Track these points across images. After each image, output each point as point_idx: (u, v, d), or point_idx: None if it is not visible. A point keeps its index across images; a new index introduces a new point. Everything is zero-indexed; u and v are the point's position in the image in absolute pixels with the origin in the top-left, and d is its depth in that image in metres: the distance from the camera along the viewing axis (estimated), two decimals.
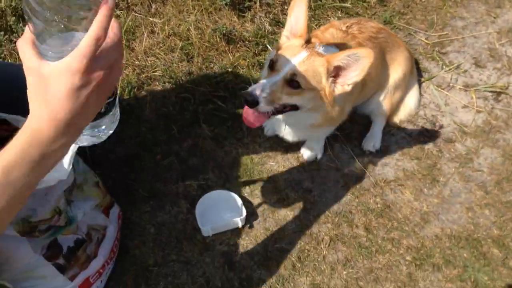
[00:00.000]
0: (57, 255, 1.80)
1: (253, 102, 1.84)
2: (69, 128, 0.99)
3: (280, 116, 2.07)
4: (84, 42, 0.93)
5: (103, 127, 1.37)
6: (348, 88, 1.92)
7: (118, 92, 2.68)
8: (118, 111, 1.43)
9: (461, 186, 2.53)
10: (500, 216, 2.42)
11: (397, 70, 2.53)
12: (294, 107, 1.94)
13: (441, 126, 2.75)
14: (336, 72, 1.91)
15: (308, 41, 1.99)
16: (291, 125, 2.20)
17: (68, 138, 1.01)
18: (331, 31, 2.28)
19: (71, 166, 1.58)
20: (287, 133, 2.32)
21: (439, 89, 2.91)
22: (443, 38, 3.15)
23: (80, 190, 1.87)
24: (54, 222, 1.66)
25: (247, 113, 1.94)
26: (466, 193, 2.51)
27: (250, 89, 1.86)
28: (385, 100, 2.59)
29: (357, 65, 1.84)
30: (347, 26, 2.35)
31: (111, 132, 1.52)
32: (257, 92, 1.83)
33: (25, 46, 0.96)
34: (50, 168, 1.03)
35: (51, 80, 0.94)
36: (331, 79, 1.92)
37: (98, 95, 1.00)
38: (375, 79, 2.41)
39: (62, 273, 1.85)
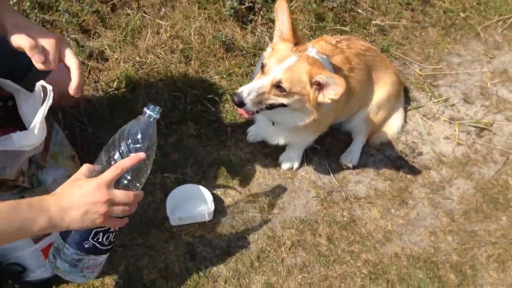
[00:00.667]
0: None
1: (240, 103, 2.00)
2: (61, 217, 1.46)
3: (269, 114, 2.21)
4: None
5: (85, 270, 1.72)
6: (328, 101, 2.04)
7: (115, 85, 2.85)
8: (100, 267, 1.80)
9: (429, 211, 2.58)
10: (462, 243, 2.47)
11: (381, 90, 2.64)
12: (282, 105, 2.07)
13: (420, 153, 2.82)
14: (317, 84, 2.03)
15: (297, 43, 2.10)
16: (278, 123, 2.30)
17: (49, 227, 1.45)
18: (321, 43, 2.40)
19: (42, 132, 1.72)
20: (272, 135, 2.44)
21: (424, 118, 2.99)
22: (437, 71, 3.25)
23: (55, 160, 2.00)
24: (20, 182, 1.79)
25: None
26: (432, 218, 2.56)
27: (239, 90, 2.01)
28: (368, 118, 2.69)
29: (333, 88, 1.98)
30: (336, 41, 2.48)
31: (86, 280, 1.97)
32: (244, 95, 1.98)
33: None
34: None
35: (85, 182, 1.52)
36: (315, 87, 2.04)
37: (101, 220, 1.51)
38: (359, 94, 2.51)
39: None
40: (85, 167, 1.61)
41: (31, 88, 1.88)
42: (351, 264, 2.38)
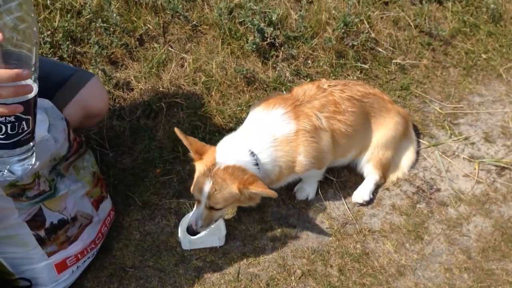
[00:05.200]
0: (40, 226, 1.99)
1: (194, 234, 2.27)
2: None
3: None
4: None
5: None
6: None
7: (138, 113, 2.95)
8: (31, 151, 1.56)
9: (444, 247, 2.53)
10: (478, 281, 2.39)
11: (384, 134, 2.65)
12: None
13: (437, 190, 2.79)
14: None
15: (201, 157, 2.24)
16: None
17: None
18: (306, 87, 2.48)
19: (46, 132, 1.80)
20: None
21: (444, 156, 2.97)
22: (458, 110, 3.25)
23: (76, 171, 2.08)
24: (36, 188, 1.87)
25: None
26: (448, 254, 2.50)
27: (189, 224, 2.26)
28: (372, 160, 2.70)
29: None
30: (329, 85, 2.52)
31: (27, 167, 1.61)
32: (194, 227, 2.24)
33: None
34: None
35: None
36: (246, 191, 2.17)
37: None
38: (353, 137, 2.54)
39: (41, 245, 2.02)
40: None
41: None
42: None
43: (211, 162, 2.17)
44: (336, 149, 2.50)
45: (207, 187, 2.14)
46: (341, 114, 2.43)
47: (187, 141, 2.21)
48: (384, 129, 2.65)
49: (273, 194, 2.08)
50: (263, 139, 2.27)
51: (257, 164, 2.22)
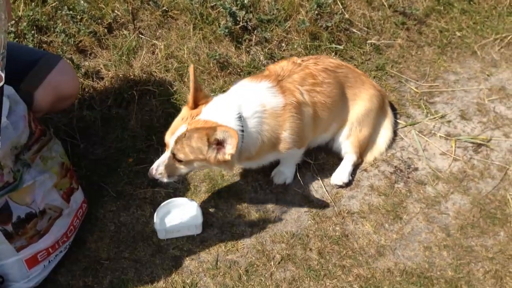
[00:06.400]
0: (6, 221, 1.91)
1: (153, 180, 2.17)
2: None
3: None
4: None
5: None
6: (228, 158, 2.06)
7: (109, 102, 2.87)
8: None
9: (423, 226, 2.52)
10: (457, 259, 2.39)
11: (359, 106, 2.63)
12: None
13: (415, 169, 2.78)
14: (217, 143, 2.05)
15: (195, 105, 2.14)
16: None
17: None
18: (281, 64, 2.45)
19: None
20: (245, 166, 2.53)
21: (420, 134, 2.96)
22: (433, 89, 3.23)
23: (44, 162, 2.01)
24: (0, 179, 1.79)
25: None
26: (427, 233, 2.49)
27: (150, 169, 2.15)
28: (351, 136, 2.67)
29: (229, 141, 2.01)
30: (302, 60, 2.49)
31: None
32: (153, 172, 2.14)
33: None
34: None
35: None
36: (214, 147, 2.06)
37: None
38: (332, 109, 2.50)
39: (9, 240, 1.95)
40: None
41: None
42: (342, 279, 2.31)
43: (196, 112, 2.11)
44: (318, 124, 2.47)
45: (179, 131, 2.06)
46: (319, 86, 2.41)
47: (194, 85, 2.11)
48: (360, 101, 2.63)
49: (233, 132, 1.96)
50: (254, 105, 2.19)
51: (242, 131, 2.13)
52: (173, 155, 2.09)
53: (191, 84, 2.10)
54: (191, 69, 2.09)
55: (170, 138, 2.09)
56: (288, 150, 2.36)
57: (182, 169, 2.17)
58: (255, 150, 2.25)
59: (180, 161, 2.11)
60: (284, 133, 2.27)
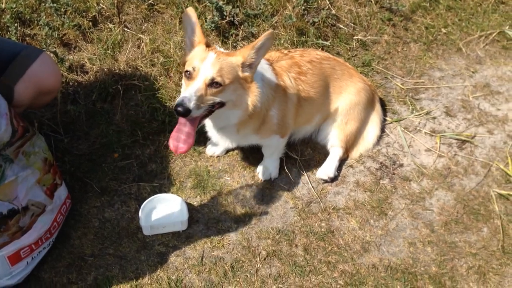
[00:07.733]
0: None
1: (186, 111, 1.92)
2: None
3: (212, 131, 2.32)
4: None
5: None
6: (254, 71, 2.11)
7: (94, 97, 2.84)
8: None
9: (408, 222, 2.54)
10: (441, 255, 2.41)
11: (345, 98, 2.63)
12: (221, 104, 2.06)
13: (400, 165, 2.79)
14: (249, 66, 2.08)
15: (208, 45, 2.12)
16: (221, 130, 2.32)
17: None
18: (271, 53, 2.49)
19: None
20: (224, 140, 2.44)
21: (406, 131, 2.97)
22: (419, 85, 3.25)
23: (26, 157, 1.97)
24: None
25: (176, 137, 2.02)
26: (412, 229, 2.51)
27: (178, 101, 1.94)
28: (337, 130, 2.68)
29: (264, 50, 2.05)
30: (289, 51, 2.53)
31: None
32: (186, 102, 1.93)
33: None
34: None
35: None
36: (246, 68, 2.09)
37: None
38: (315, 99, 2.52)
39: None
40: None
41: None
42: (327, 274, 2.32)
43: (213, 47, 2.12)
44: (301, 114, 2.47)
45: (211, 56, 2.01)
46: (304, 75, 2.43)
47: (199, 24, 2.11)
48: (347, 94, 2.63)
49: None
50: (259, 71, 2.23)
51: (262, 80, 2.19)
52: (210, 81, 1.99)
53: (197, 25, 2.09)
54: (191, 10, 2.07)
55: (200, 64, 2.00)
56: (270, 136, 2.38)
57: (211, 100, 2.02)
58: (259, 109, 2.23)
59: (216, 86, 2.00)
60: (272, 110, 2.30)
